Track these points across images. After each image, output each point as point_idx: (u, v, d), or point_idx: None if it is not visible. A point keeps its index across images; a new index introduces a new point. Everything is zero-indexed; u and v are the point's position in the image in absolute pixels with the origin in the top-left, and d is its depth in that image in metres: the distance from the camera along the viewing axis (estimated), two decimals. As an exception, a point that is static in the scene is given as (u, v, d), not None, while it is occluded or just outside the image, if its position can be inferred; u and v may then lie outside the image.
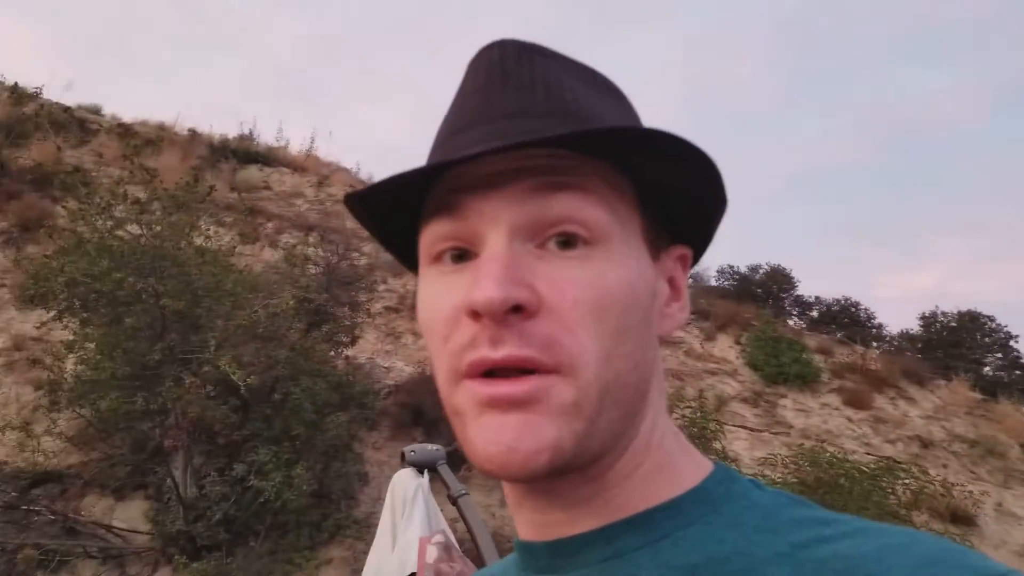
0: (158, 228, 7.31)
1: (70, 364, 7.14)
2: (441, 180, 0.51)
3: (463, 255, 0.51)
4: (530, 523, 0.55)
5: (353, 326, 8.87)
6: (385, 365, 9.80)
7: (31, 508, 7.19)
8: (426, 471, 3.75)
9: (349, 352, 8.96)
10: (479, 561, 3.40)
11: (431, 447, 3.90)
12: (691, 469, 0.53)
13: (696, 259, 0.60)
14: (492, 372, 0.47)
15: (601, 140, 0.48)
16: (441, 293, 0.51)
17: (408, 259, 0.60)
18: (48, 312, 7.00)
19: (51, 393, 7.17)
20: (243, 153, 14.11)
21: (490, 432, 0.46)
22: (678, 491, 0.51)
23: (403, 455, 3.84)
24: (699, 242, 0.60)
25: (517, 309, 0.46)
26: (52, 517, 7.17)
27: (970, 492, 11.02)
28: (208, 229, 7.90)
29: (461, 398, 0.49)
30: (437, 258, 0.53)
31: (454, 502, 3.77)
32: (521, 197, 0.49)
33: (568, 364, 0.46)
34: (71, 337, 7.02)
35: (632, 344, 0.49)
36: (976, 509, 10.82)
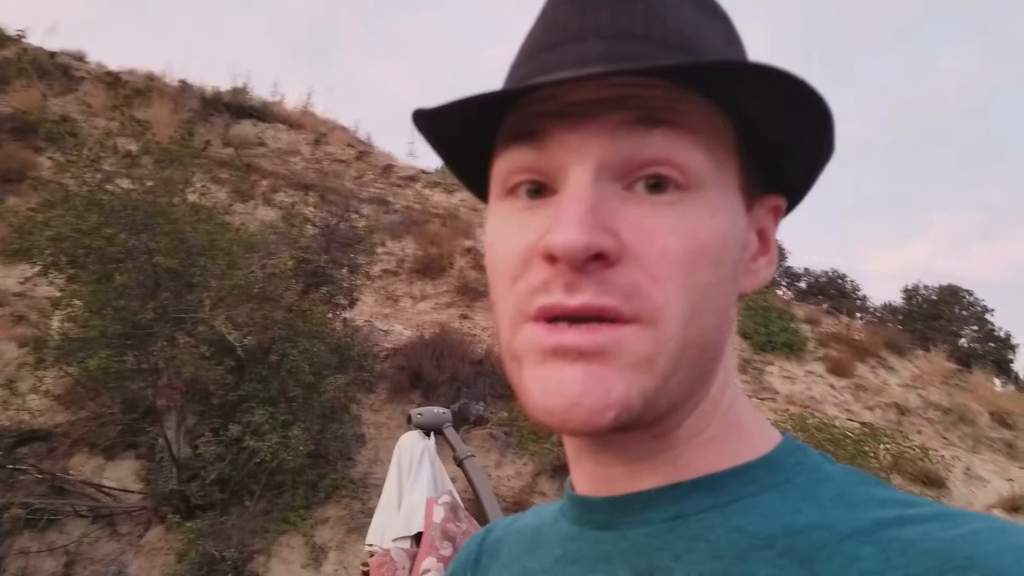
0: (150, 183, 6.83)
1: (56, 321, 6.65)
2: (522, 104, 0.45)
3: (540, 190, 0.46)
4: (589, 476, 0.51)
5: (351, 288, 8.46)
6: (383, 328, 9.39)
7: (17, 467, 6.72)
8: (432, 433, 3.59)
9: (347, 314, 8.55)
10: (483, 521, 3.21)
11: (437, 410, 3.71)
12: (761, 435, 0.49)
13: (790, 210, 0.53)
14: (560, 318, 0.42)
15: (708, 74, 0.41)
16: (514, 230, 0.46)
17: (477, 186, 0.54)
18: (32, 267, 6.51)
19: (36, 351, 6.68)
20: (236, 107, 13.39)
21: (553, 383, 0.42)
22: (749, 456, 0.47)
23: (409, 417, 3.64)
24: (795, 192, 0.53)
25: (598, 257, 0.41)
26: (39, 476, 6.72)
27: (942, 456, 11.05)
28: (203, 186, 7.40)
29: (523, 342, 0.44)
30: (512, 191, 0.47)
31: (460, 464, 3.54)
32: (613, 131, 0.43)
33: (650, 315, 0.41)
34: (57, 293, 6.52)
35: (718, 301, 0.45)
36: (947, 472, 10.87)
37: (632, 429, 0.44)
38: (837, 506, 0.42)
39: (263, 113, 13.73)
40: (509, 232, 0.46)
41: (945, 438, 12.64)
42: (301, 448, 6.71)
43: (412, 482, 3.33)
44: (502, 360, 0.49)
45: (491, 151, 0.49)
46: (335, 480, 7.34)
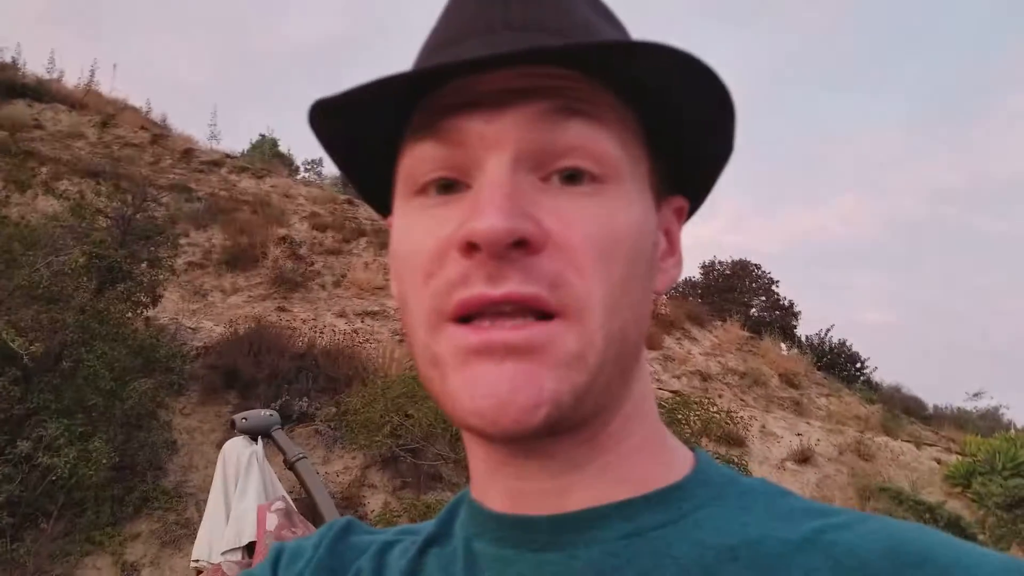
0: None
1: None
2: (431, 97, 0.43)
3: (452, 186, 0.43)
4: (510, 492, 0.47)
5: (154, 284, 8.07)
6: (191, 326, 9.05)
7: None
8: (260, 438, 3.58)
9: (150, 313, 8.17)
10: (320, 522, 3.29)
11: (264, 412, 3.69)
12: (679, 450, 0.49)
13: (691, 214, 0.54)
14: (482, 315, 0.40)
15: (621, 62, 0.42)
16: (425, 227, 0.43)
17: (379, 198, 0.51)
18: None
19: None
20: (6, 85, 12.11)
21: (481, 383, 0.39)
22: (678, 471, 0.47)
23: (233, 423, 3.61)
24: (697, 195, 0.54)
25: (521, 243, 0.39)
26: None
27: (741, 417, 12.51)
28: (-31, 175, 6.76)
29: (444, 345, 0.41)
30: (422, 190, 0.44)
31: (291, 466, 3.60)
32: (531, 120, 0.42)
33: (575, 308, 0.40)
34: None
35: (636, 295, 0.44)
36: (746, 432, 12.30)
37: (561, 433, 0.42)
38: (773, 518, 0.44)
39: (38, 92, 12.53)
40: (420, 229, 0.43)
41: (743, 400, 14.20)
42: (103, 461, 6.38)
43: (240, 491, 3.27)
44: (417, 366, 0.46)
45: (394, 154, 0.47)
46: (144, 492, 7.06)
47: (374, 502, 7.91)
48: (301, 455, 3.62)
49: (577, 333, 0.40)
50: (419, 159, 0.44)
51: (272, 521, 2.94)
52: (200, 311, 9.77)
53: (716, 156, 0.50)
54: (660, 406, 9.93)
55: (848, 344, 18.52)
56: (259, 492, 3.33)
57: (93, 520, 6.64)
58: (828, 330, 18.67)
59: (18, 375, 6.46)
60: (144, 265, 8.06)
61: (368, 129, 0.46)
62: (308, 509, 3.64)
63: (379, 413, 7.10)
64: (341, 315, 10.23)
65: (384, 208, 0.51)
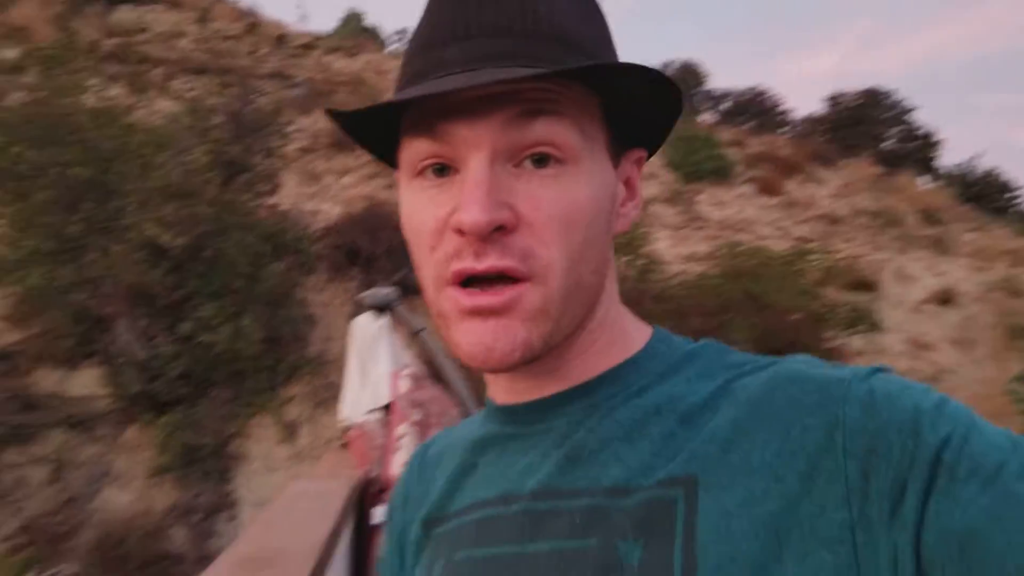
0: (44, 94, 6.99)
1: (-11, 245, 7.03)
2: (420, 100, 0.54)
3: (444, 169, 0.55)
4: (506, 390, 0.65)
5: (271, 173, 8.84)
6: (311, 209, 9.90)
7: (-16, 389, 7.35)
8: (384, 312, 4.08)
9: (272, 200, 9.00)
10: (446, 386, 3.81)
11: (385, 290, 4.19)
12: (637, 333, 0.64)
13: (649, 156, 0.66)
14: (473, 279, 0.54)
15: (582, 75, 0.53)
16: (426, 206, 0.56)
17: (387, 157, 0.64)
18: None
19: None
20: (108, -8, 12.92)
21: (472, 336, 0.54)
22: (633, 348, 0.62)
23: (359, 302, 4.14)
24: (653, 144, 0.65)
25: (499, 228, 0.52)
26: (7, 395, 7.37)
27: (873, 261, 12.18)
28: (96, 87, 7.55)
29: (446, 304, 0.56)
30: (419, 173, 0.56)
31: (415, 336, 4.16)
32: (503, 124, 0.53)
33: (540, 273, 0.54)
34: (-19, 219, 6.87)
35: (594, 251, 0.57)
36: (878, 276, 12.07)
37: (536, 360, 0.56)
38: (701, 378, 0.57)
39: (137, -5, 13.30)
40: (422, 206, 0.55)
41: (875, 243, 13.84)
42: (254, 336, 7.42)
43: (373, 360, 3.65)
44: (431, 313, 0.59)
45: (396, 132, 0.58)
46: (293, 361, 8.10)
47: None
48: (422, 327, 4.13)
49: (541, 293, 0.54)
50: (415, 151, 0.56)
51: (404, 385, 3.35)
52: (317, 194, 10.60)
53: (665, 122, 0.62)
54: (774, 259, 9.91)
55: (998, 172, 17.40)
56: (390, 360, 3.66)
57: (253, 387, 7.76)
58: (975, 158, 17.44)
59: (170, 266, 7.47)
60: (260, 156, 8.80)
61: (373, 123, 0.59)
62: (434, 374, 3.98)
63: None
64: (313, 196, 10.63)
65: (391, 163, 0.64)
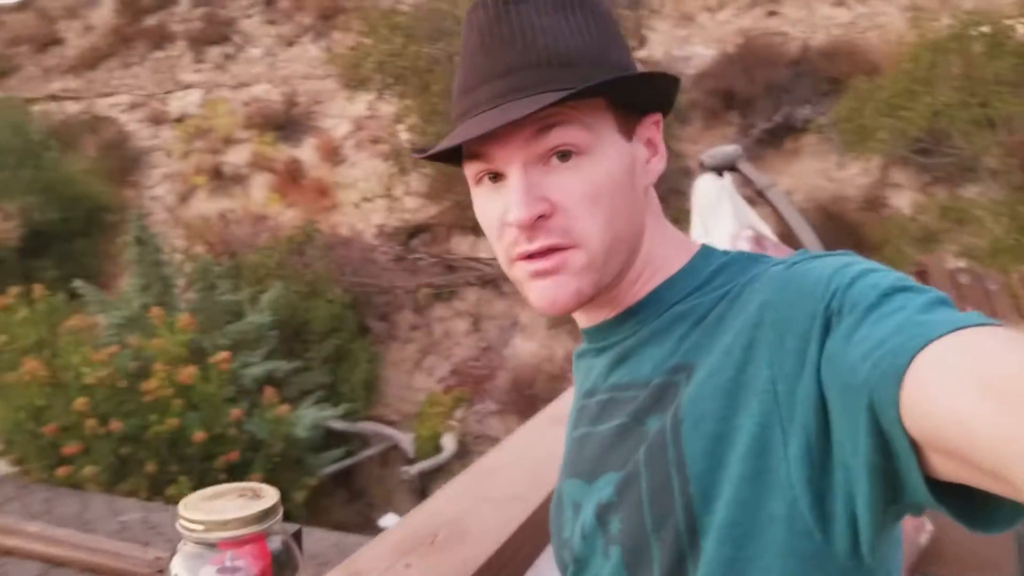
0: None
1: (403, 133, 8.38)
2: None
3: (496, 176, 0.72)
4: (582, 318, 0.83)
5: (638, 26, 8.81)
6: (683, 55, 9.69)
7: (414, 256, 9.05)
8: (726, 172, 4.01)
9: (642, 54, 9.02)
10: (796, 244, 3.66)
11: (727, 148, 4.08)
12: (680, 256, 0.78)
13: (665, 115, 0.79)
14: (531, 256, 0.72)
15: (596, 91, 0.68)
16: (488, 207, 0.74)
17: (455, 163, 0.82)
18: (370, 94, 8.16)
19: (397, 160, 8.58)
20: None
21: (538, 291, 0.72)
22: (675, 270, 0.77)
23: (701, 162, 4.11)
24: (665, 107, 0.79)
25: (540, 218, 0.69)
26: (432, 259, 8.96)
27: None
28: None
29: (516, 273, 0.74)
30: (479, 181, 0.74)
31: (760, 194, 4.02)
32: (526, 140, 0.69)
33: (582, 240, 0.70)
34: (394, 111, 8.16)
35: (624, 213, 0.73)
36: None
37: (592, 300, 0.74)
38: (721, 287, 0.72)
39: None
40: (487, 207, 0.74)
41: None
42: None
43: (715, 222, 3.59)
44: (510, 278, 0.78)
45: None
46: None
47: (900, 200, 7.85)
48: (770, 184, 3.96)
49: (584, 254, 0.71)
50: (473, 168, 0.75)
51: (744, 247, 3.20)
52: (690, 37, 10.29)
53: (670, 94, 0.78)
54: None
55: None
56: (731, 221, 3.74)
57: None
58: None
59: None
60: (625, 9, 8.80)
61: (447, 152, 0.76)
62: (783, 233, 3.98)
63: (868, 119, 6.82)
64: (839, 3, 9.59)
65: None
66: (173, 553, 0.63)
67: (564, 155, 0.70)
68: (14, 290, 6.88)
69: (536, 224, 0.69)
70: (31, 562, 3.23)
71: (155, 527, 4.12)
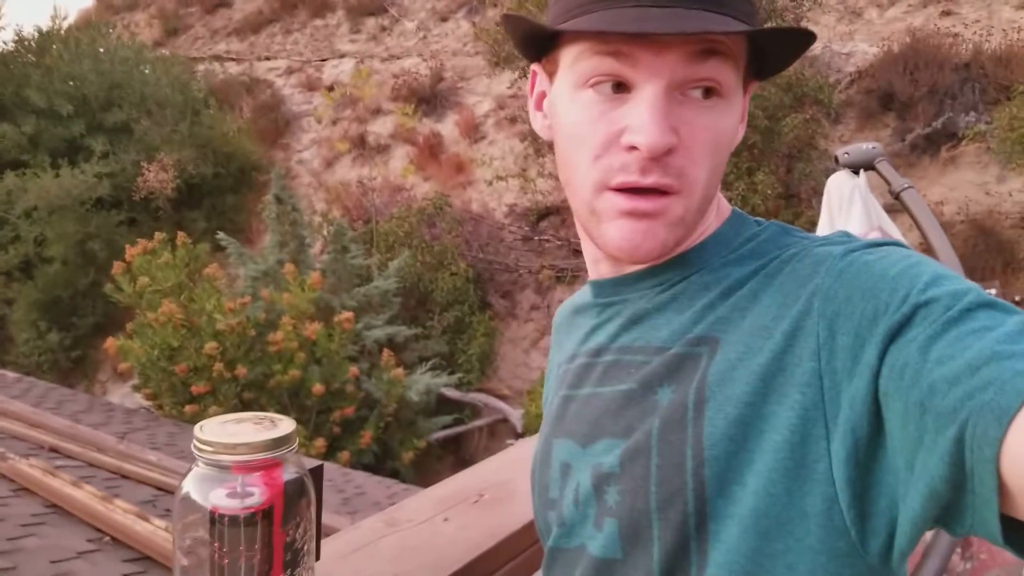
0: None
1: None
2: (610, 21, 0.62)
3: (620, 86, 0.64)
4: (606, 270, 0.77)
5: (798, 17, 8.63)
6: (844, 51, 9.39)
7: (541, 237, 9.26)
8: (862, 171, 3.98)
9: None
10: (931, 253, 3.57)
11: (867, 146, 4.02)
12: (713, 219, 0.74)
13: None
14: (633, 190, 0.65)
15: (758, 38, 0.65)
16: (597, 119, 0.65)
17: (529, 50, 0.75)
18: (514, 72, 8.40)
19: (534, 141, 8.80)
20: None
21: (625, 231, 0.66)
22: (705, 235, 0.73)
23: (837, 158, 4.08)
24: (765, 76, 0.73)
25: (668, 151, 0.63)
26: (559, 243, 9.16)
27: None
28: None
29: (603, 204, 0.66)
30: (592, 85, 0.65)
31: (897, 197, 3.94)
32: (684, 59, 0.62)
33: (688, 189, 0.65)
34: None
35: (721, 171, 0.69)
36: None
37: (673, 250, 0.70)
38: (751, 259, 0.68)
39: None
40: (591, 119, 0.65)
41: None
42: (768, 192, 7.68)
43: (844, 221, 3.84)
44: (576, 210, 0.72)
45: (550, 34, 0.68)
46: (810, 216, 8.17)
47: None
48: (907, 185, 3.89)
49: (684, 204, 0.65)
50: (594, 65, 0.64)
51: None
52: (853, 32, 9.96)
53: (785, 61, 0.71)
54: None
55: None
56: (860, 221, 3.71)
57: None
58: None
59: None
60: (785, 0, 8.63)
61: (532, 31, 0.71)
62: (920, 240, 3.91)
63: None
64: (1022, 6, 9.01)
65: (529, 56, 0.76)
66: (187, 472, 0.65)
67: (708, 91, 0.64)
68: (159, 236, 7.41)
69: (658, 157, 0.62)
70: (145, 487, 3.52)
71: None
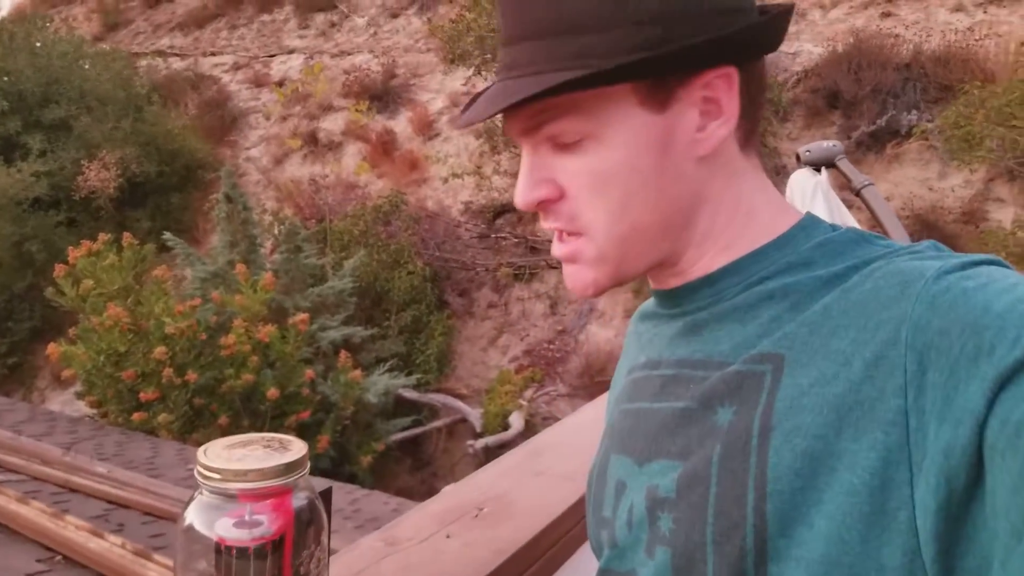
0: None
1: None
2: None
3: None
4: (653, 280, 0.74)
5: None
6: (790, 51, 9.52)
7: (498, 235, 9.19)
8: (823, 168, 4.04)
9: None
10: None
11: (827, 143, 4.09)
12: (778, 219, 0.67)
13: (757, 57, 0.66)
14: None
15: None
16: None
17: None
18: (468, 69, 8.32)
19: (489, 139, 8.72)
20: None
21: (566, 277, 0.71)
22: (764, 240, 0.66)
23: (798, 156, 4.13)
24: (740, 55, 0.63)
25: (546, 201, 0.65)
26: (516, 240, 9.09)
27: None
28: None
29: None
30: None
31: (857, 194, 4.01)
32: (525, 123, 0.64)
33: (587, 230, 0.65)
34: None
35: (645, 198, 0.63)
36: None
37: (651, 271, 0.70)
38: (823, 266, 0.61)
39: None
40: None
41: None
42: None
43: None
44: None
45: None
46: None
47: (1000, 215, 7.60)
48: (867, 183, 3.96)
49: (593, 244, 0.65)
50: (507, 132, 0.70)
51: None
52: (800, 32, 10.10)
53: (756, 43, 0.65)
54: None
55: None
56: (824, 217, 3.84)
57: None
58: None
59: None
60: None
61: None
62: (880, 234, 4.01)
63: (978, 126, 6.62)
64: (958, 9, 9.25)
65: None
66: (189, 501, 0.60)
67: (567, 145, 0.63)
68: (103, 236, 7.10)
69: (542, 207, 0.65)
70: (95, 501, 3.33)
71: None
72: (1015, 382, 0.45)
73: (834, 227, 0.66)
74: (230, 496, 0.58)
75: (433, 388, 8.81)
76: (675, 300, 0.71)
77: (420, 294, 9.05)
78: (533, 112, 0.62)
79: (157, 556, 2.53)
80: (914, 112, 8.23)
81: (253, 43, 15.28)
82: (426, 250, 9.27)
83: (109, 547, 2.57)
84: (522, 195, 0.65)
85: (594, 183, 0.63)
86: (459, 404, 8.37)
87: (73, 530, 2.67)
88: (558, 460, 1.25)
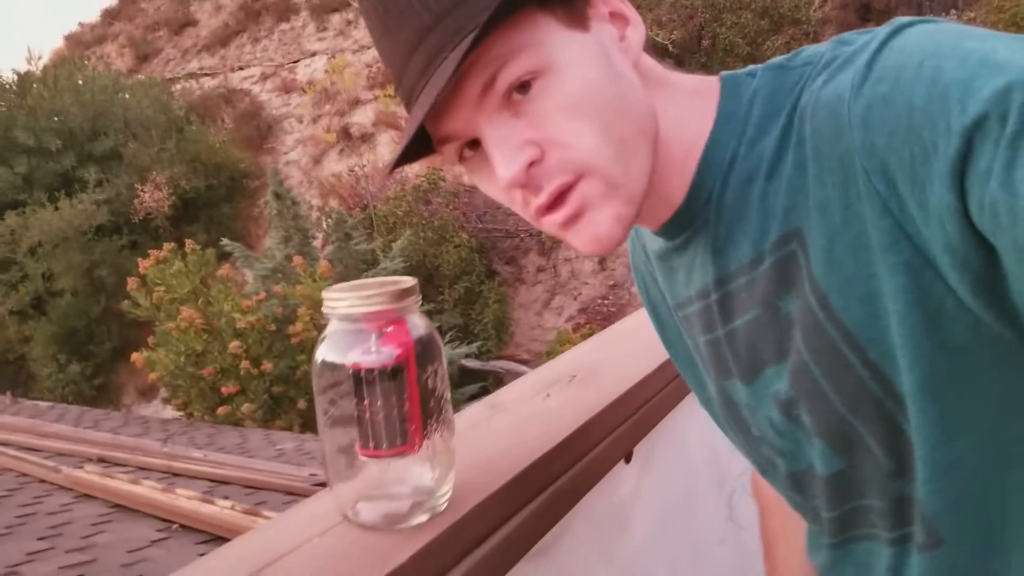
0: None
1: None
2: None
3: (474, 143, 0.61)
4: (646, 224, 0.71)
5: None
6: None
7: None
8: None
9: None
10: None
11: None
12: (708, 103, 0.65)
13: None
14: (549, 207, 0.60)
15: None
16: (485, 181, 0.64)
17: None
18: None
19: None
20: None
21: (577, 238, 0.61)
22: (708, 131, 0.64)
23: None
24: None
25: (532, 165, 0.58)
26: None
27: None
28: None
29: (546, 227, 0.62)
30: (464, 159, 0.63)
31: None
32: (478, 99, 0.58)
33: (585, 168, 0.59)
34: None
35: (617, 110, 0.59)
36: None
37: (641, 212, 0.63)
38: (769, 121, 0.60)
39: None
40: (487, 180, 0.64)
41: None
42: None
43: None
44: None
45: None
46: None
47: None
48: None
49: (596, 177, 0.59)
50: (449, 150, 0.63)
51: None
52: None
53: None
54: None
55: None
56: None
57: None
58: None
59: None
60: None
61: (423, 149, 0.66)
62: None
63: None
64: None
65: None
66: (320, 340, 0.65)
67: (523, 87, 0.58)
68: (168, 246, 7.37)
69: (531, 173, 0.58)
70: (198, 481, 3.48)
71: (308, 453, 4.43)
72: (971, 164, 0.45)
73: (750, 74, 0.65)
74: (355, 321, 0.64)
75: (495, 356, 8.88)
76: (677, 228, 0.69)
77: (469, 266, 9.11)
78: (485, 75, 0.57)
79: (267, 512, 2.63)
80: (952, 12, 7.96)
81: (276, 52, 15.47)
82: (468, 223, 9.31)
83: (220, 510, 2.68)
84: (507, 168, 0.57)
85: (568, 110, 0.58)
86: (522, 368, 8.43)
87: (185, 500, 2.79)
88: (635, 339, 1.30)
